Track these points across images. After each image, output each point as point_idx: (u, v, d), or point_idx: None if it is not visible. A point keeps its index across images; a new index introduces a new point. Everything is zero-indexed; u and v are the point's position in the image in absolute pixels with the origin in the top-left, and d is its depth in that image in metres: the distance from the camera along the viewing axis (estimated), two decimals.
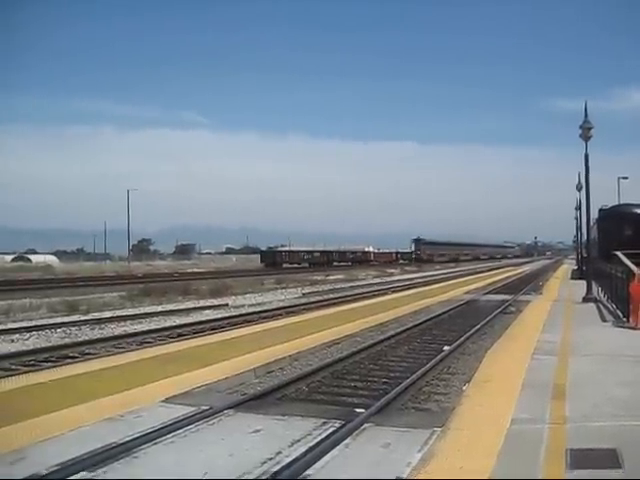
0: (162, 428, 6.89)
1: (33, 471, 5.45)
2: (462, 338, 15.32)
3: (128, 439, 6.44)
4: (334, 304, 26.52)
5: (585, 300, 22.93)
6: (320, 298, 31.89)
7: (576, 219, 49.08)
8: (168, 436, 6.65)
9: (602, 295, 24.13)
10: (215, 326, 19.96)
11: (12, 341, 17.48)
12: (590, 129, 22.37)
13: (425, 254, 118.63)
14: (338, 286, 42.70)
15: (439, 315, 21.06)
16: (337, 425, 7.23)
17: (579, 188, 35.05)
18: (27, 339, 17.92)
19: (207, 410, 7.72)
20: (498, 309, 22.43)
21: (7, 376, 11.34)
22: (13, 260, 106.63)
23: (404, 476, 5.50)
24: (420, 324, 18.57)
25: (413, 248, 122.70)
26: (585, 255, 39.05)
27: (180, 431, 6.84)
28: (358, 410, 8.13)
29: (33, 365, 13.69)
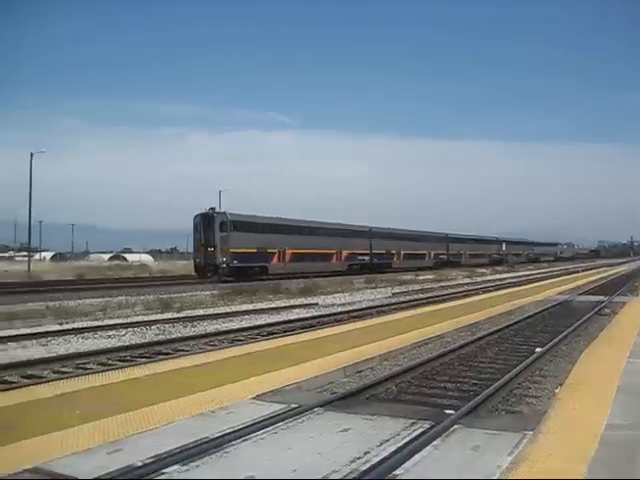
0: (252, 425, 6.99)
1: (129, 462, 5.63)
2: (555, 340, 14.98)
3: (219, 434, 6.56)
4: (424, 304, 26.35)
5: None
6: (410, 298, 31.72)
7: None
8: (258, 433, 6.74)
9: None
10: (305, 325, 20.11)
11: (109, 337, 18.05)
12: None
13: (227, 252, 50.61)
14: (428, 286, 42.37)
15: (532, 316, 20.64)
16: (426, 426, 7.18)
17: None
18: (123, 335, 18.47)
19: (296, 408, 7.80)
20: (592, 310, 21.80)
21: (104, 371, 11.72)
22: (110, 259, 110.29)
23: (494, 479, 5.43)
24: (512, 325, 18.25)
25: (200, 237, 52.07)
26: None
27: (270, 428, 6.92)
28: (447, 411, 8.06)
29: (129, 360, 14.11)
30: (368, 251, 70.79)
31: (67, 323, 20.93)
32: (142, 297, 29.51)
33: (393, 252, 76.38)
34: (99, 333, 18.54)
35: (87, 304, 26.49)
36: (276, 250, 56.87)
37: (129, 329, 19.49)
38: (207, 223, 52.30)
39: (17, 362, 13.64)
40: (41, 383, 10.81)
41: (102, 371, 11.72)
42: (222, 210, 54.11)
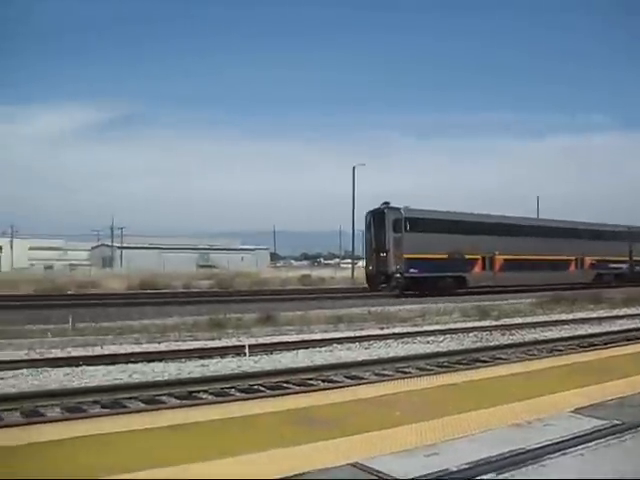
0: (572, 439, 6.73)
1: (445, 466, 5.71)
2: None
3: (536, 446, 6.41)
4: None
5: None
6: None
7: None
8: (577, 447, 6.46)
9: None
10: (630, 337, 18.97)
11: (427, 342, 18.53)
12: None
13: (401, 258, 41.44)
14: None
15: None
16: None
17: None
18: (441, 341, 18.85)
19: (619, 425, 7.36)
20: None
21: (422, 375, 12.03)
22: None
23: None
24: None
25: (371, 239, 44.57)
26: None
27: (590, 444, 6.60)
28: None
29: (446, 366, 14.34)
30: (626, 257, 55.46)
31: (387, 328, 21.81)
32: (460, 304, 29.80)
33: None
34: (418, 338, 19.08)
35: (407, 310, 27.44)
36: (479, 255, 45.60)
37: (447, 335, 19.84)
38: (378, 222, 43.12)
39: (342, 363, 14.52)
40: (363, 384, 11.39)
41: (420, 375, 12.05)
42: (399, 205, 43.36)
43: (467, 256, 44.33)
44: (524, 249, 46.95)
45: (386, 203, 43.34)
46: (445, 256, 42.55)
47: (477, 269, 45.22)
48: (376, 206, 43.85)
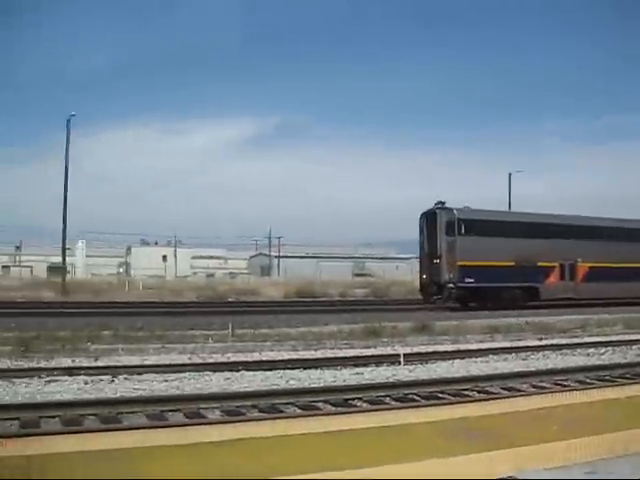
0: None
1: None
2: None
3: None
4: None
5: None
6: None
7: None
8: None
9: None
10: None
11: (588, 355, 17.89)
12: None
13: (454, 266, 35.80)
14: None
15: None
16: None
17: None
18: (602, 354, 18.13)
19: None
20: None
21: (582, 389, 11.66)
22: None
23: None
24: None
25: (424, 244, 38.31)
26: None
27: None
28: None
29: (607, 380, 13.78)
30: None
31: (546, 339, 21.22)
32: (624, 315, 28.56)
33: None
34: (577, 350, 18.45)
35: (566, 320, 26.57)
36: (556, 263, 38.22)
37: (609, 348, 19.04)
38: (430, 225, 37.39)
39: (498, 374, 14.28)
40: (519, 396, 11.17)
41: (580, 389, 11.70)
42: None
43: (540, 263, 37.60)
44: (616, 255, 38.67)
45: (440, 203, 37.72)
46: (511, 263, 36.35)
47: (553, 279, 38.33)
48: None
